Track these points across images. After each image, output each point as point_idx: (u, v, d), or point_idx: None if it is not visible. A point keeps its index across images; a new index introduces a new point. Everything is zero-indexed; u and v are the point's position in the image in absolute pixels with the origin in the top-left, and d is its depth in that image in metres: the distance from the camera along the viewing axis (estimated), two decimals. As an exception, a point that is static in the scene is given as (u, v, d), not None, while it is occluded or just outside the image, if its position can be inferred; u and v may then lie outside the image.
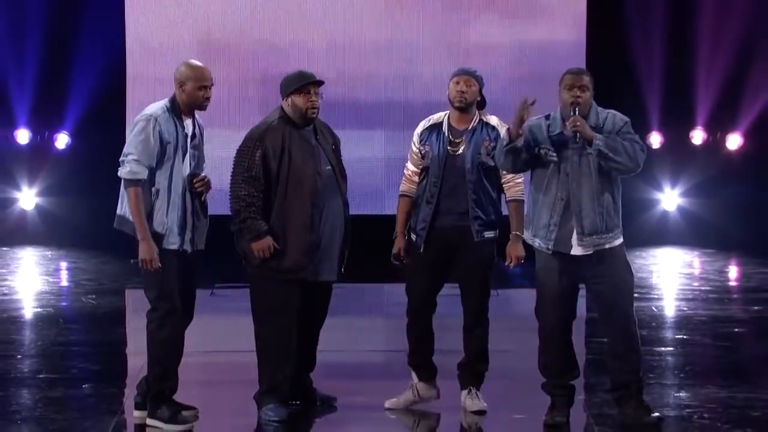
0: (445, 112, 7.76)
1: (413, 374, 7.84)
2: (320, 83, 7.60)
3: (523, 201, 7.69)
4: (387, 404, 7.81)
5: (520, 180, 7.69)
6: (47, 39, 15.29)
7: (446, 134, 7.66)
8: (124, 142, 7.39)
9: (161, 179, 7.30)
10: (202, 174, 7.41)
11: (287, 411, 7.57)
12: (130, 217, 7.31)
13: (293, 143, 7.54)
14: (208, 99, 7.39)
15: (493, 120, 7.72)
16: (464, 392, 7.73)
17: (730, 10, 15.23)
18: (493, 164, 7.56)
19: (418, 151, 7.73)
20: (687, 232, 15.53)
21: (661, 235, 15.54)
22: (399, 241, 7.76)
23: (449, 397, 7.79)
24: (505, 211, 7.78)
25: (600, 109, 7.42)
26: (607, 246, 7.34)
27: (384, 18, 14.99)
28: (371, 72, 15.03)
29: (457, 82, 7.65)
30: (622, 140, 7.28)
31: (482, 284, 7.72)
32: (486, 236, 7.65)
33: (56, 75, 15.34)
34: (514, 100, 7.44)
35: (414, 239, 7.72)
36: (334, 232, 7.60)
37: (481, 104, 7.73)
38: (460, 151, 7.63)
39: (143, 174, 7.24)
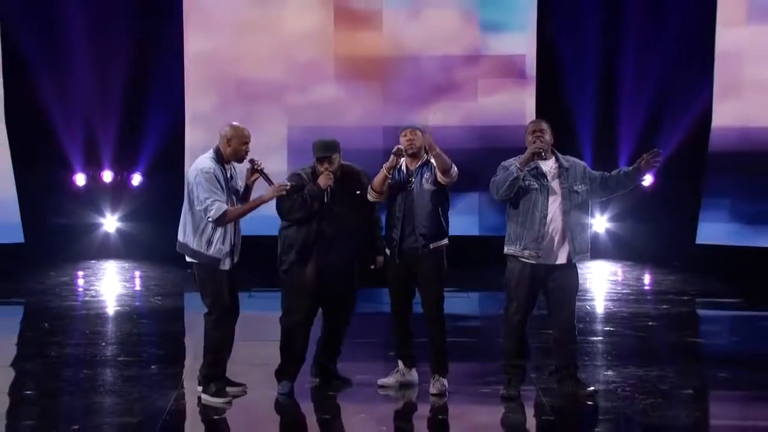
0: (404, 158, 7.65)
1: (399, 362, 7.79)
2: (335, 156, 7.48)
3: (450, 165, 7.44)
4: (379, 382, 7.78)
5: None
6: (125, 102, 15.29)
7: (404, 173, 7.61)
8: (182, 182, 7.34)
9: None
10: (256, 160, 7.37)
11: (290, 385, 7.54)
12: (189, 244, 7.30)
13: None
14: (247, 152, 7.37)
15: None
16: (431, 379, 7.64)
17: (647, 68, 15.20)
18: (434, 188, 7.51)
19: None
20: (612, 249, 15.51)
21: (592, 251, 15.41)
22: (388, 164, 7.46)
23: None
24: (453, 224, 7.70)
25: (562, 156, 7.43)
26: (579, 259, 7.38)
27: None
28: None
29: (405, 135, 7.58)
30: (600, 177, 7.36)
31: (435, 286, 7.57)
32: (432, 247, 7.54)
33: (132, 130, 15.36)
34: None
35: (389, 253, 7.63)
36: (339, 259, 7.50)
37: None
38: (413, 186, 7.56)
39: (225, 205, 7.17)
